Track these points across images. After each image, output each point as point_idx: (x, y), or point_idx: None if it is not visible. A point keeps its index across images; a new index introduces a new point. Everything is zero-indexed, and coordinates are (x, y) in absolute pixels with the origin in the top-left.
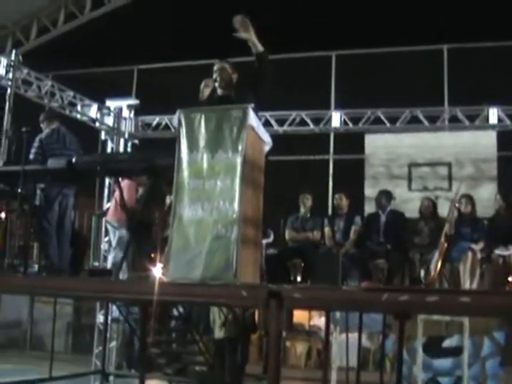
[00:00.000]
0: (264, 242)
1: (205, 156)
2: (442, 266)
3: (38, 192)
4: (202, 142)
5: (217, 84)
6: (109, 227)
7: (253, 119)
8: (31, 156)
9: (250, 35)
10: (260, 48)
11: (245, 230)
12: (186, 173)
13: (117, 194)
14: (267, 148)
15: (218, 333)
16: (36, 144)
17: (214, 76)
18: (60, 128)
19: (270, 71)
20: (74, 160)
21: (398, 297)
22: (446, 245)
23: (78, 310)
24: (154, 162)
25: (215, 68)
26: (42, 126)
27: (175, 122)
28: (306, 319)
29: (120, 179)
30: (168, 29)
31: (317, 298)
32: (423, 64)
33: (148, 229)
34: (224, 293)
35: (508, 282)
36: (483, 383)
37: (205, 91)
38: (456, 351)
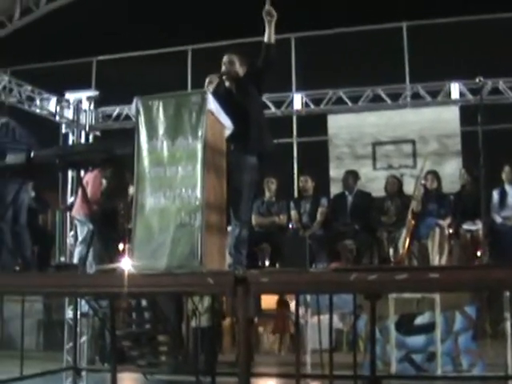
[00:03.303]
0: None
1: (165, 143)
2: (410, 243)
3: None
4: (161, 129)
5: (224, 77)
6: (76, 222)
7: (212, 104)
8: None
9: (272, 22)
10: (273, 39)
11: (209, 216)
12: (146, 161)
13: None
14: (228, 132)
15: (204, 321)
16: None
17: (223, 68)
18: (9, 122)
19: (276, 61)
20: (31, 154)
21: (367, 276)
22: (413, 222)
23: (49, 306)
24: (113, 151)
25: (224, 60)
26: None
27: (133, 111)
28: None
29: (84, 172)
30: (125, 18)
31: (284, 281)
32: (383, 42)
33: (113, 220)
34: (191, 281)
35: (476, 256)
36: (456, 358)
37: (209, 88)
38: (428, 328)
